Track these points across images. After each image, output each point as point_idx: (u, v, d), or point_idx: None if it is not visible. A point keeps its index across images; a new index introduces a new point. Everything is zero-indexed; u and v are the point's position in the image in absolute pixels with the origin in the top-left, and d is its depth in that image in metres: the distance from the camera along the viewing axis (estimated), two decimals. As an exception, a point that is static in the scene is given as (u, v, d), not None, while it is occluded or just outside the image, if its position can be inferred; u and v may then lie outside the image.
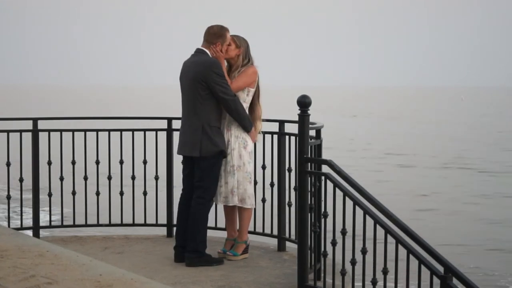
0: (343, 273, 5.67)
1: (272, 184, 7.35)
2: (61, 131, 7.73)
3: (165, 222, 8.00)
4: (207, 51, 6.66)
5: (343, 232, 5.61)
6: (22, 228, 7.78)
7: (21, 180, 7.77)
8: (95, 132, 7.84)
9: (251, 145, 6.83)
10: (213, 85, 6.52)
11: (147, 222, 8.16)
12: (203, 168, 6.62)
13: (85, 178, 7.92)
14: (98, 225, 8.32)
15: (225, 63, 6.81)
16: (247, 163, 6.76)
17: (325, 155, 6.35)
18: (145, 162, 7.92)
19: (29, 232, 7.75)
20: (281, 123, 7.28)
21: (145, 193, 7.94)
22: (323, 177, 5.92)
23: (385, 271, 5.37)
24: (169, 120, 7.91)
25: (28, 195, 7.87)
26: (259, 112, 6.88)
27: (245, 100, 6.74)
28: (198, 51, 6.70)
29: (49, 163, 7.70)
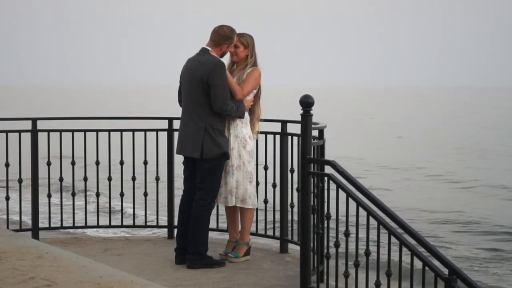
0: (346, 275, 5.61)
1: (274, 185, 7.29)
2: (60, 131, 7.67)
3: (166, 223, 7.93)
4: (212, 50, 6.57)
5: (346, 234, 5.55)
6: (21, 229, 7.72)
7: (20, 181, 7.72)
8: (95, 132, 7.77)
9: (251, 144, 6.77)
10: (211, 85, 6.44)
11: (148, 223, 8.11)
12: (204, 169, 6.55)
13: (85, 179, 7.85)
14: (98, 226, 8.27)
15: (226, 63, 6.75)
16: (247, 162, 6.69)
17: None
18: (145, 162, 7.86)
19: (28, 234, 7.69)
20: (284, 123, 7.23)
21: (145, 194, 7.88)
22: (326, 178, 5.86)
23: (388, 273, 5.31)
24: (170, 120, 7.85)
25: (27, 196, 7.81)
26: (258, 112, 6.83)
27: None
28: (204, 50, 6.61)
29: (49, 163, 7.63)
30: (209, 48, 6.58)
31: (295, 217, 6.82)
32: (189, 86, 6.58)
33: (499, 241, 13.81)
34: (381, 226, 5.31)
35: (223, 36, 6.57)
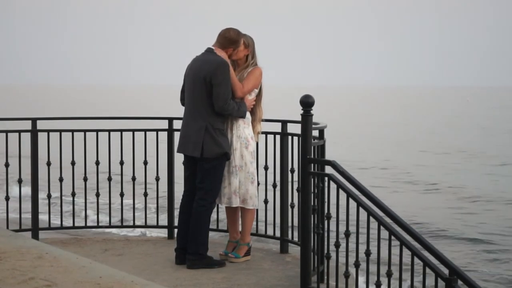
0: (346, 275, 5.60)
1: (274, 185, 7.28)
2: (60, 131, 7.65)
3: (166, 223, 7.92)
4: (216, 51, 6.56)
5: (347, 234, 5.54)
6: (21, 230, 7.71)
7: (19, 181, 7.71)
8: (95, 132, 7.76)
9: (253, 145, 6.76)
10: (214, 84, 6.42)
11: (148, 223, 8.09)
12: (205, 169, 6.53)
13: (85, 179, 7.84)
14: (98, 226, 8.26)
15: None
16: (249, 163, 6.69)
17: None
18: (145, 162, 7.84)
19: (28, 234, 7.68)
20: (284, 123, 7.22)
21: (145, 194, 7.87)
22: (326, 178, 5.85)
23: (389, 274, 5.30)
24: (170, 120, 7.83)
25: (27, 196, 7.79)
26: (259, 114, 6.82)
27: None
28: (209, 50, 6.60)
29: (48, 164, 7.62)
30: (215, 49, 6.56)
31: (296, 217, 6.82)
32: (192, 85, 6.57)
33: (486, 244, 13.84)
34: (381, 226, 5.31)
35: (228, 39, 6.56)
